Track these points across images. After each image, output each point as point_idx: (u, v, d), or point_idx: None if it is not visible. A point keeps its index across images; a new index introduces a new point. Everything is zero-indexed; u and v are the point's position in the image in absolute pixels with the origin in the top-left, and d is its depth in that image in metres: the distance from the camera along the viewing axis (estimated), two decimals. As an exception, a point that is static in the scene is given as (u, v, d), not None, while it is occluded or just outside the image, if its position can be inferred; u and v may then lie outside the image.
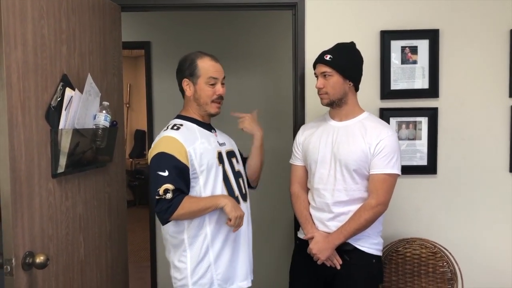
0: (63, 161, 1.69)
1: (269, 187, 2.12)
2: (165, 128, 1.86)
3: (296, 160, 2.11)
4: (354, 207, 1.92)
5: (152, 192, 1.73)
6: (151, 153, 1.80)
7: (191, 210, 1.73)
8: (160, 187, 1.69)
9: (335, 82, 1.93)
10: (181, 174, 1.73)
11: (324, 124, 2.04)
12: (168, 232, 1.84)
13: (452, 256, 2.27)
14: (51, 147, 1.63)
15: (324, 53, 1.96)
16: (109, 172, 2.16)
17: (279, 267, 2.40)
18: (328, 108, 2.05)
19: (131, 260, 4.42)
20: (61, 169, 1.68)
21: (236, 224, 1.73)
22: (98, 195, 2.04)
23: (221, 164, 1.85)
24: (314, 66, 2.00)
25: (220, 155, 1.86)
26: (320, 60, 1.96)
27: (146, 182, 6.48)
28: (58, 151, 1.66)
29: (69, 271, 1.77)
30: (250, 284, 1.89)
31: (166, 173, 1.71)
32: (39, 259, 1.48)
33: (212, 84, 1.87)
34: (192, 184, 1.78)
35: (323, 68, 1.93)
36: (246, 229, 1.90)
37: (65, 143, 1.69)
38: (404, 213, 2.39)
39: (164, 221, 1.77)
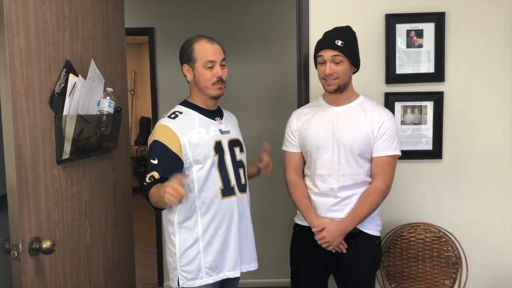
0: (67, 147, 1.69)
1: (272, 174, 2.09)
2: (164, 115, 1.87)
3: (291, 147, 2.08)
4: (359, 191, 1.94)
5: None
6: (149, 139, 1.84)
7: (153, 199, 1.71)
8: (148, 174, 1.74)
9: (346, 68, 1.90)
10: (170, 163, 1.74)
11: (320, 110, 2.02)
12: (166, 215, 1.88)
13: (457, 241, 2.28)
14: (56, 133, 1.63)
15: (333, 38, 1.90)
16: (114, 158, 2.17)
17: (279, 254, 2.42)
18: (320, 94, 2.05)
19: (137, 246, 4.48)
20: (66, 155, 1.69)
21: (176, 200, 1.56)
22: (103, 181, 2.05)
23: (217, 154, 1.82)
24: (318, 51, 1.94)
25: (218, 145, 1.84)
26: (331, 45, 1.89)
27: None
28: (63, 137, 1.66)
29: (75, 257, 1.79)
30: (238, 274, 1.88)
31: (155, 161, 1.76)
32: (46, 244, 1.49)
33: (210, 67, 1.83)
34: (187, 172, 1.80)
35: (334, 54, 1.88)
36: (238, 220, 1.87)
37: (70, 129, 1.69)
38: (409, 198, 2.39)
39: (152, 207, 1.79)
